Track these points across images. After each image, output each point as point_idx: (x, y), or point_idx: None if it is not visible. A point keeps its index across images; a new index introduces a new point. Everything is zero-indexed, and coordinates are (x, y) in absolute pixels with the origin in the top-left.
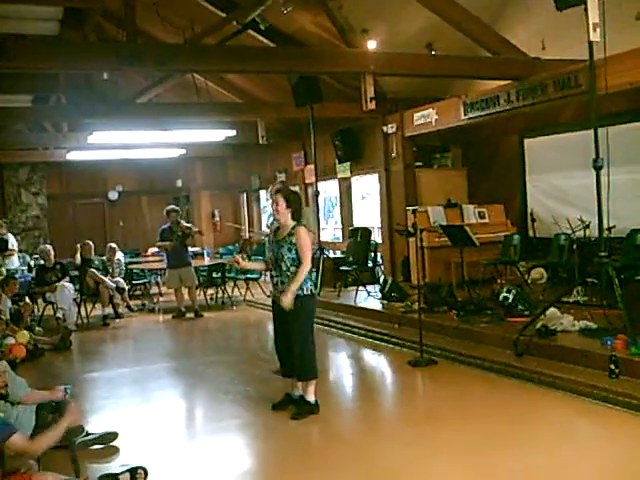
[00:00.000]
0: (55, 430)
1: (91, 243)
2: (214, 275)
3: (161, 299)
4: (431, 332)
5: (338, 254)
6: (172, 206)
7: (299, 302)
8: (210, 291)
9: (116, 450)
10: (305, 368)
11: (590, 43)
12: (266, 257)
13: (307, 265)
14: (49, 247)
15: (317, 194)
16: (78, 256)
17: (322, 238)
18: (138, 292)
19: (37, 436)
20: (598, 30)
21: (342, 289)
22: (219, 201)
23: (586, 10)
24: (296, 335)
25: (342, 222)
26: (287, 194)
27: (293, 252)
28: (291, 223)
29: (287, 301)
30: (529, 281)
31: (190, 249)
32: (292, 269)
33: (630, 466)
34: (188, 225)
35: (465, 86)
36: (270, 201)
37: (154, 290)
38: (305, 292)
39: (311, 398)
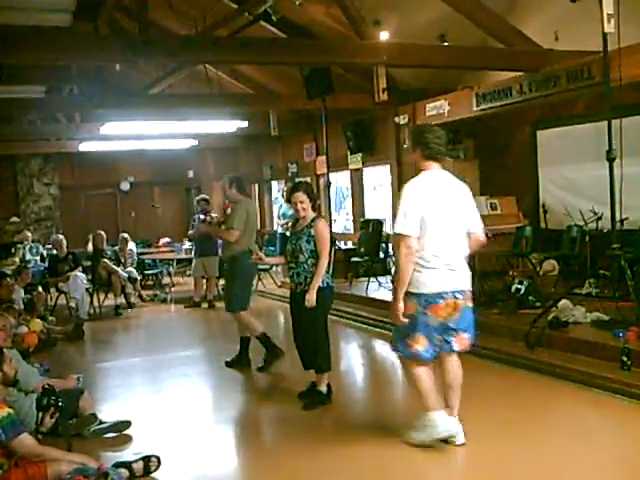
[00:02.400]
0: (66, 455)
1: (103, 233)
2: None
3: (173, 289)
4: None
5: (350, 245)
6: (202, 195)
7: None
8: (221, 282)
9: (129, 438)
10: (319, 360)
11: (604, 34)
12: (286, 250)
13: (325, 259)
14: (61, 237)
15: (329, 185)
16: (90, 246)
17: (333, 229)
18: (150, 282)
19: (50, 447)
20: (612, 21)
21: (353, 280)
22: None
23: (600, 1)
24: (309, 327)
25: (353, 213)
26: (307, 189)
27: (312, 244)
28: (311, 215)
29: (311, 299)
30: (541, 273)
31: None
32: (310, 261)
33: None
34: (214, 215)
35: (477, 77)
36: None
37: (166, 280)
38: (320, 284)
39: (323, 388)
